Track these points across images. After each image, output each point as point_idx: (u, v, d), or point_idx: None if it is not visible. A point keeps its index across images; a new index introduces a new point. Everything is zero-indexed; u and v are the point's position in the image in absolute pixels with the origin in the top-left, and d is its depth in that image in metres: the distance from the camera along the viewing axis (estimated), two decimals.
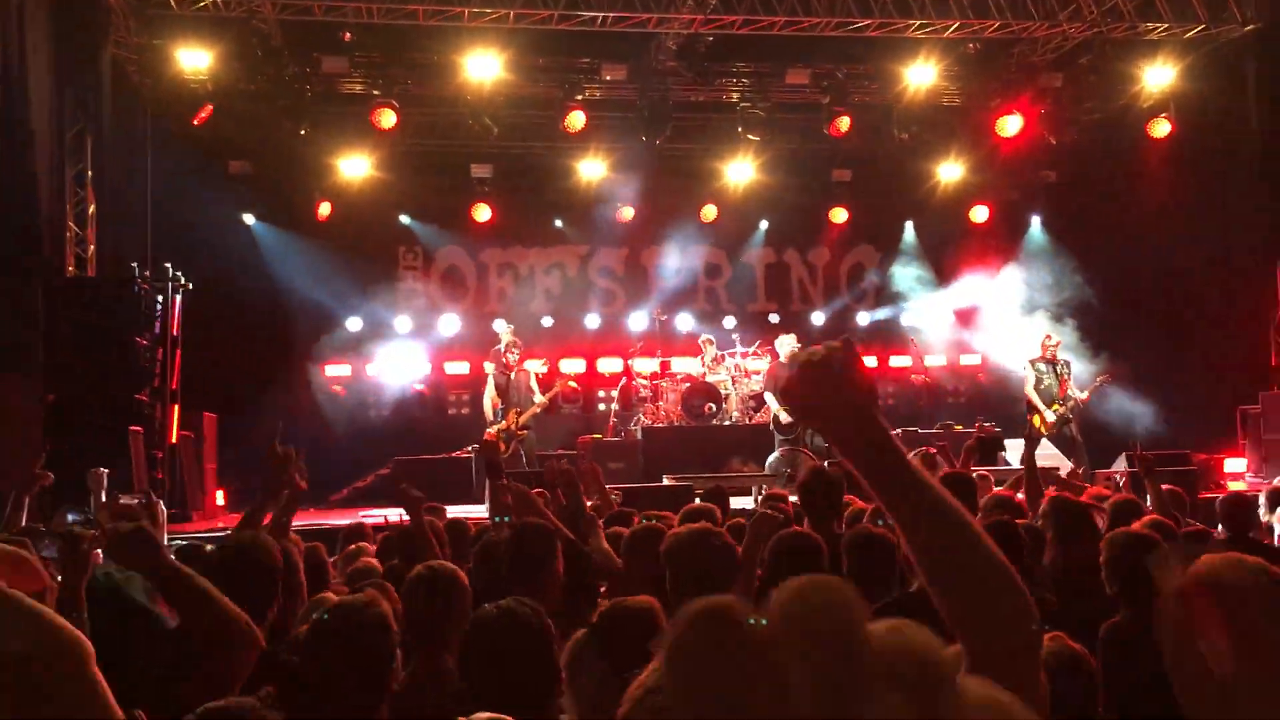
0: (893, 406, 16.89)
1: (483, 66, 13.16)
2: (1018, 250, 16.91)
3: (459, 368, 15.90)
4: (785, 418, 12.05)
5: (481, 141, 14.59)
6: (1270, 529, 6.32)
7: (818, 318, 17.21)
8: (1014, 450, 11.44)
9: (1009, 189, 16.96)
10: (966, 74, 14.58)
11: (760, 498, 7.68)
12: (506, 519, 4.92)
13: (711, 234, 16.90)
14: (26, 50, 9.94)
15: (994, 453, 7.61)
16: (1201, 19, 13.10)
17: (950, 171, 16.30)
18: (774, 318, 16.72)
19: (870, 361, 16.95)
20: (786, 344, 12.62)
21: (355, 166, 15.07)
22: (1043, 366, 12.39)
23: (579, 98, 14.03)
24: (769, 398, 12.33)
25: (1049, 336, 12.75)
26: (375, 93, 13.80)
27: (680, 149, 15.79)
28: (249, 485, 11.38)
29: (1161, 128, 14.04)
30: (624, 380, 14.58)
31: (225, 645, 2.58)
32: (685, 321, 16.34)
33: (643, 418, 13.76)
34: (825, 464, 6.33)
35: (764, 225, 17.20)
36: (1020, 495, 6.04)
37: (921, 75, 14.01)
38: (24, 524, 5.28)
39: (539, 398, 12.17)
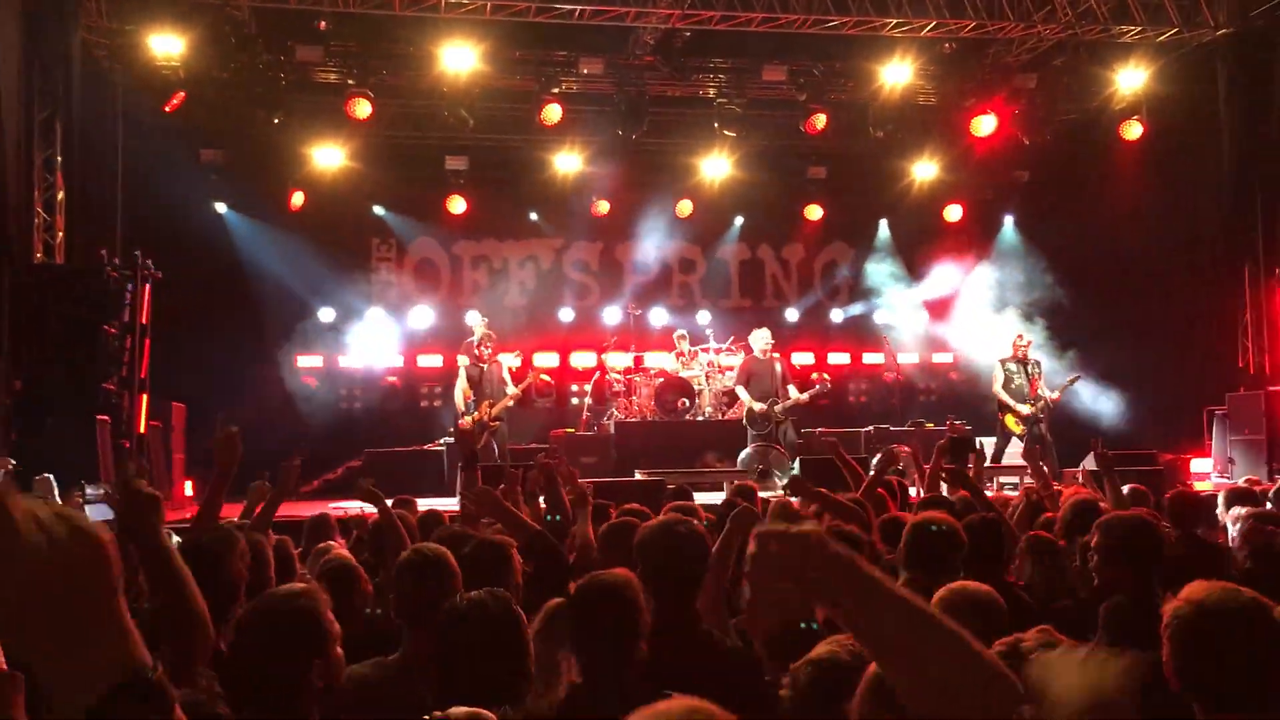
0: (865, 404, 17.02)
1: (459, 58, 13.10)
2: (990, 249, 17.07)
3: (432, 360, 15.85)
4: (759, 407, 12.07)
5: (457, 133, 14.51)
6: (1225, 528, 6.38)
7: (791, 314, 17.27)
8: (1016, 449, 11.63)
9: (982, 188, 17.08)
10: (942, 73, 14.65)
11: (731, 488, 7.68)
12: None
13: (686, 229, 16.92)
14: None
15: (966, 452, 7.61)
16: (1175, 23, 13.21)
17: (925, 170, 16.38)
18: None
19: (842, 359, 17.08)
20: (760, 339, 12.61)
21: (329, 157, 14.97)
22: (1013, 366, 12.43)
23: (555, 91, 13.96)
24: (741, 392, 12.35)
25: (1020, 336, 12.79)
26: (350, 82, 13.67)
27: (656, 144, 15.76)
28: None
29: (1134, 130, 14.17)
30: (597, 374, 14.56)
31: (187, 633, 2.59)
32: (659, 316, 16.33)
33: (616, 412, 13.76)
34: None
35: (739, 221, 17.24)
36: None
37: (897, 74, 14.05)
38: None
39: (511, 389, 12.15)
